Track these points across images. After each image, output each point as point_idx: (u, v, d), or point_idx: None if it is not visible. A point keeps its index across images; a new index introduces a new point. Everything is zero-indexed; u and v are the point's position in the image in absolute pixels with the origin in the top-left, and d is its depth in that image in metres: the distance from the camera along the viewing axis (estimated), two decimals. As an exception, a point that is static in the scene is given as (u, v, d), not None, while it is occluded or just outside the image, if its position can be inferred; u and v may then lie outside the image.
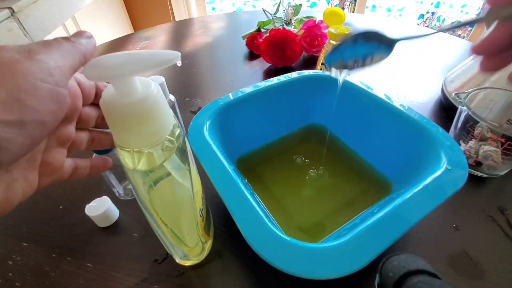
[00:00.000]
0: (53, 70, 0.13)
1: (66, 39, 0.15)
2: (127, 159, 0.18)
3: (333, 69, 0.25)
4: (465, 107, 0.35)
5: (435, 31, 0.20)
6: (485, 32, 0.18)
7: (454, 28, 0.20)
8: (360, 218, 0.30)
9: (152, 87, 0.16)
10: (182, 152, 0.20)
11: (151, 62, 0.15)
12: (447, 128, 0.35)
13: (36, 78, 0.12)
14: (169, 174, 0.20)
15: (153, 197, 0.21)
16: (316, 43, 0.62)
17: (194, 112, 0.51)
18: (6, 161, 0.12)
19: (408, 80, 0.57)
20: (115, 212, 0.34)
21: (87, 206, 0.33)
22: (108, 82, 0.19)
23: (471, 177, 0.36)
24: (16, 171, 0.15)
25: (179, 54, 0.16)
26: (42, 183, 0.17)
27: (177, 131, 0.20)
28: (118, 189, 0.36)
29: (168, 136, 0.18)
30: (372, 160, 0.37)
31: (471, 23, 0.19)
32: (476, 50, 0.20)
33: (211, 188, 0.26)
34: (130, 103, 0.16)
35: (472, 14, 1.55)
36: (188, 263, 0.30)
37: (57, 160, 0.17)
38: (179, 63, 0.16)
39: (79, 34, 0.16)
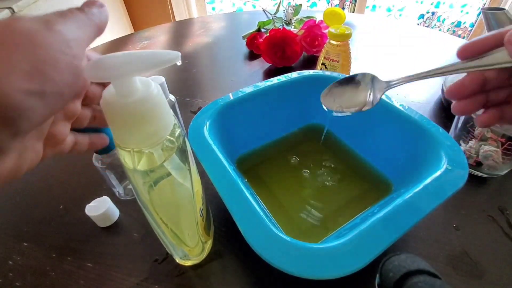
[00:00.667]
0: (71, 42, 0.13)
1: (80, 9, 0.15)
2: (127, 159, 0.18)
3: (325, 108, 0.28)
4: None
5: (419, 76, 0.22)
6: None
7: (432, 75, 0.22)
8: (360, 218, 0.30)
9: (152, 87, 0.16)
10: (182, 152, 0.20)
11: (151, 62, 0.15)
12: (447, 128, 0.35)
13: (56, 50, 0.13)
14: (169, 174, 0.20)
15: (153, 197, 0.21)
16: (316, 43, 0.62)
17: (194, 112, 0.51)
18: (25, 129, 0.13)
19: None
20: (115, 212, 0.34)
21: (87, 206, 0.33)
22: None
23: (471, 177, 0.36)
24: (27, 140, 0.15)
25: (179, 54, 0.16)
26: (45, 155, 0.17)
27: (177, 131, 0.20)
28: (118, 189, 0.36)
29: (168, 136, 0.18)
30: (372, 160, 0.37)
31: (444, 72, 0.21)
32: (448, 94, 0.22)
33: (211, 188, 0.26)
34: (131, 103, 0.16)
35: (472, 14, 1.55)
36: (188, 263, 0.30)
37: (62, 133, 0.18)
38: (179, 63, 0.16)
39: (91, 3, 0.15)
